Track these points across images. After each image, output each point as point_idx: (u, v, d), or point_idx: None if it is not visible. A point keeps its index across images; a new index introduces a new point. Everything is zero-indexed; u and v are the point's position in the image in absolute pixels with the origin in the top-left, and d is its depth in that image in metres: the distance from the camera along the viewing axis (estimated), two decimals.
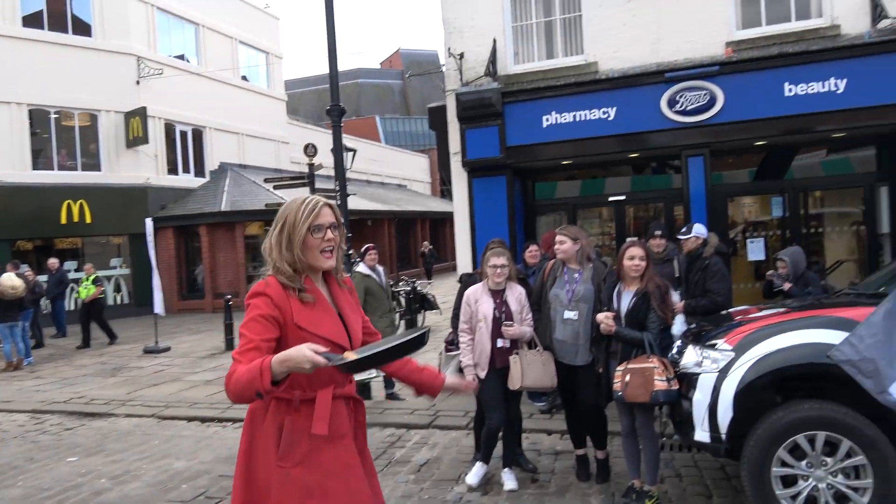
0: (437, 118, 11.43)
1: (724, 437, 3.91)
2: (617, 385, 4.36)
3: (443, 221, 34.48)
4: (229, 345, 12.70)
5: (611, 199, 10.38)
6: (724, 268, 6.25)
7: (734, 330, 4.14)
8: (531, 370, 4.94)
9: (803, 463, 3.79)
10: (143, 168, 20.72)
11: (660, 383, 4.19)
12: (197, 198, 21.27)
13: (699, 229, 6.55)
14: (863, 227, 9.39)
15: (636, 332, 4.38)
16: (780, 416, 3.81)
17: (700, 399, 4.02)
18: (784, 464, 3.80)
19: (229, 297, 13.54)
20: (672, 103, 9.03)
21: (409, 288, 12.82)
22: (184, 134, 22.50)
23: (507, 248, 5.48)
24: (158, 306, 13.21)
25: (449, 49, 10.31)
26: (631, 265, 4.48)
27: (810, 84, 8.57)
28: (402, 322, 11.60)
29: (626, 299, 4.50)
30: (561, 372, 4.91)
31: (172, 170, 22.08)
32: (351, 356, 2.07)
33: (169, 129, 21.81)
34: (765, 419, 3.84)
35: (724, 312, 5.16)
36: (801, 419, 3.76)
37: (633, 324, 4.42)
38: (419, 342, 2.14)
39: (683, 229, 6.72)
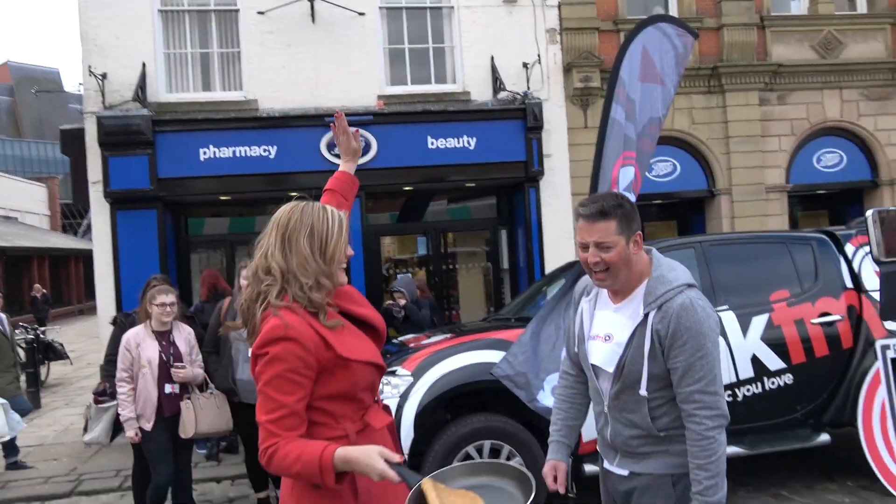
0: (71, 142, 10.15)
1: (406, 458, 4.16)
2: None
3: (66, 259, 30.30)
4: None
5: None
6: None
7: (411, 356, 4.47)
8: (205, 415, 4.65)
9: None
10: None
11: None
12: None
13: None
14: (488, 264, 10.93)
15: None
16: (453, 430, 4.22)
17: None
18: None
19: None
20: (331, 147, 9.43)
21: (31, 336, 10.95)
22: None
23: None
24: None
25: (89, 67, 9.26)
26: None
27: (448, 139, 9.77)
28: (24, 376, 9.80)
29: None
30: (241, 413, 4.69)
31: None
32: (429, 489, 1.69)
33: None
34: (441, 435, 4.21)
35: (397, 341, 5.52)
36: (470, 431, 4.23)
37: None
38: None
39: None
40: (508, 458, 4.26)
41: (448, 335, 4.88)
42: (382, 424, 1.98)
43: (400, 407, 4.21)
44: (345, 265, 1.99)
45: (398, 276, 9.27)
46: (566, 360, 2.51)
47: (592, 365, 2.26)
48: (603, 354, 2.21)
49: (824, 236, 5.14)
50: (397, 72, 10.16)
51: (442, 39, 10.28)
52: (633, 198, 4.82)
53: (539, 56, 10.01)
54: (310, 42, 9.69)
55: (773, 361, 4.58)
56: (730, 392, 4.48)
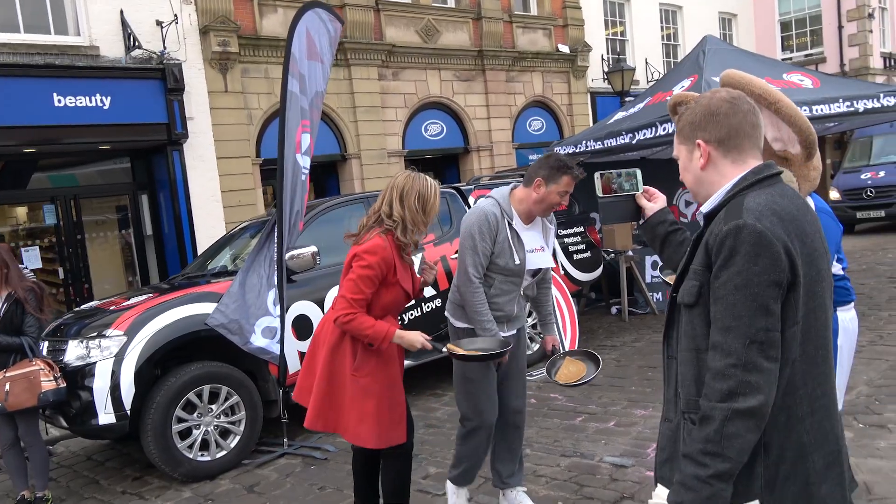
0: None
1: (128, 413, 4.27)
2: None
3: None
4: None
5: None
6: None
7: (120, 316, 4.48)
8: None
9: (195, 414, 4.53)
10: None
11: (47, 384, 4.14)
12: None
13: None
14: (130, 230, 10.43)
15: (14, 337, 4.17)
16: (173, 381, 4.43)
17: (101, 385, 4.23)
18: (180, 420, 4.46)
19: None
20: None
21: None
22: None
23: None
24: None
25: None
26: None
27: (79, 97, 9.01)
28: None
29: None
30: None
31: None
32: (453, 349, 3.07)
33: None
34: (160, 387, 4.39)
35: (89, 306, 5.29)
36: (190, 379, 4.49)
37: (8, 330, 4.18)
38: (502, 354, 3.07)
39: None
40: (226, 398, 4.65)
41: (151, 294, 4.95)
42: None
43: (117, 366, 4.25)
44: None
45: None
46: (478, 273, 3.24)
47: (532, 268, 3.35)
48: (544, 259, 3.39)
49: (454, 191, 6.56)
50: (7, 17, 8.92)
51: None
52: (308, 161, 5.49)
53: (176, 16, 9.80)
54: None
55: (427, 290, 5.79)
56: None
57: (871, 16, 19.30)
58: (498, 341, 3.16)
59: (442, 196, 6.65)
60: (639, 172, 2.17)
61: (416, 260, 3.32)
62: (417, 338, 2.98)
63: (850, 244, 13.06)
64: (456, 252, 6.32)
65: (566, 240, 7.15)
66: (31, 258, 9.42)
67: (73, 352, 4.40)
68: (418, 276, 3.26)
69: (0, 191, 9.61)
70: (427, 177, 3.08)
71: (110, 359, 4.28)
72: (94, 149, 9.76)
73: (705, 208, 1.70)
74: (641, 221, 2.19)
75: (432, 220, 3.06)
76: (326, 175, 12.47)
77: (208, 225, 10.16)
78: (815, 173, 2.74)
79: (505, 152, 14.06)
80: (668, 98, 3.41)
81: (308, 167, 5.42)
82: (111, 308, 4.80)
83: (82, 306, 5.45)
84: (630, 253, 8.45)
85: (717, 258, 1.53)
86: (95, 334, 4.42)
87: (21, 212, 10.13)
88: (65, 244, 9.70)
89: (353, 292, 2.89)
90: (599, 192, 2.11)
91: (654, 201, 2.20)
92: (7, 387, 4.07)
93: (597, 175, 2.13)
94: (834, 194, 15.03)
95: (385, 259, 2.92)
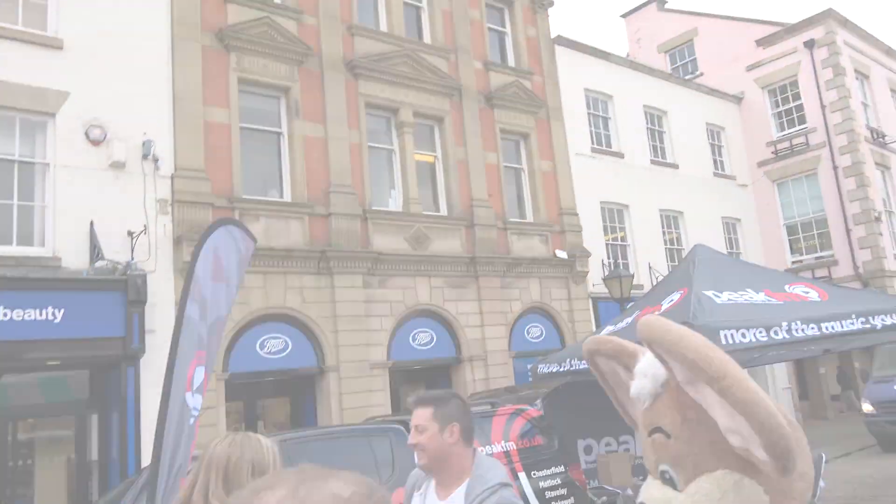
0: None
1: None
2: None
3: None
4: None
5: None
6: None
7: None
8: None
9: None
10: None
11: None
12: None
13: None
14: (74, 454, 9.38)
15: None
16: None
17: None
18: None
19: None
20: None
21: None
22: None
23: None
24: None
25: None
26: None
27: (27, 310, 8.46)
28: None
29: None
30: None
31: None
32: None
33: None
34: None
35: None
36: None
37: None
38: None
39: None
40: None
41: None
42: None
43: None
44: None
45: None
46: None
47: None
48: None
49: (400, 426, 5.54)
50: None
51: (32, 197, 9.19)
52: (200, 400, 4.58)
53: (146, 226, 9.55)
54: None
55: None
56: None
57: (878, 219, 19.04)
58: None
59: (384, 433, 5.75)
60: None
61: None
62: None
63: (891, 468, 11.47)
64: None
65: (541, 483, 5.96)
66: None
67: None
68: None
69: None
70: (259, 436, 2.22)
71: None
72: (41, 365, 9.04)
73: None
74: None
75: None
76: (304, 389, 11.53)
77: None
78: (803, 485, 1.76)
79: (501, 361, 13.12)
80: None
81: (199, 408, 4.52)
82: None
83: None
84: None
85: None
86: None
87: None
88: None
89: None
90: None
91: None
92: None
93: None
94: (866, 406, 13.68)
95: None
